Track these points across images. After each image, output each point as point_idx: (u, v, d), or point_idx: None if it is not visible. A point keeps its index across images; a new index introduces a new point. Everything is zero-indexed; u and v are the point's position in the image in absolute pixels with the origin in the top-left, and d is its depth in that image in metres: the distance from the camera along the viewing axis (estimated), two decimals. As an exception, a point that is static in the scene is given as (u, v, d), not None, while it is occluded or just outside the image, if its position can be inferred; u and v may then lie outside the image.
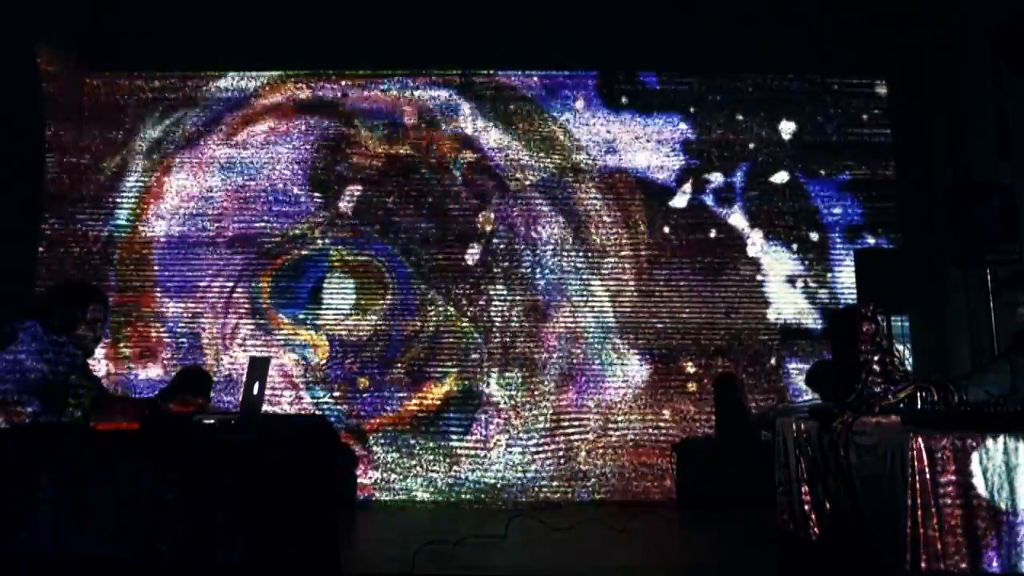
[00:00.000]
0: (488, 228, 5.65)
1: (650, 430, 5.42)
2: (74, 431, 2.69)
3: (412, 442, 5.39)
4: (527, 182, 5.70)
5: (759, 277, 5.61)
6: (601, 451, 5.40)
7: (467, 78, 5.79)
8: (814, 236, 5.66)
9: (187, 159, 5.70)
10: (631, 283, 5.59)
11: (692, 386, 5.48)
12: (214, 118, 5.74)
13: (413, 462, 5.37)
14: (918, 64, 5.72)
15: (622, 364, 5.50)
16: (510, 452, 5.39)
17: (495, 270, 5.60)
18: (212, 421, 2.94)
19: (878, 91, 5.79)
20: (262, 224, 5.63)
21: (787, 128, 5.76)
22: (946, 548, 2.06)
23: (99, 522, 2.50)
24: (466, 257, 5.62)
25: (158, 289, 5.55)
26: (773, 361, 5.52)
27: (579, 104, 5.78)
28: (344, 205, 5.66)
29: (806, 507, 2.84)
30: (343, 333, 5.52)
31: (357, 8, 5.64)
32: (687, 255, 5.62)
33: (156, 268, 5.58)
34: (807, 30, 5.60)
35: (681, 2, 5.67)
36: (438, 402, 5.44)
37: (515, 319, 5.54)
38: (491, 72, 5.79)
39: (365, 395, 5.44)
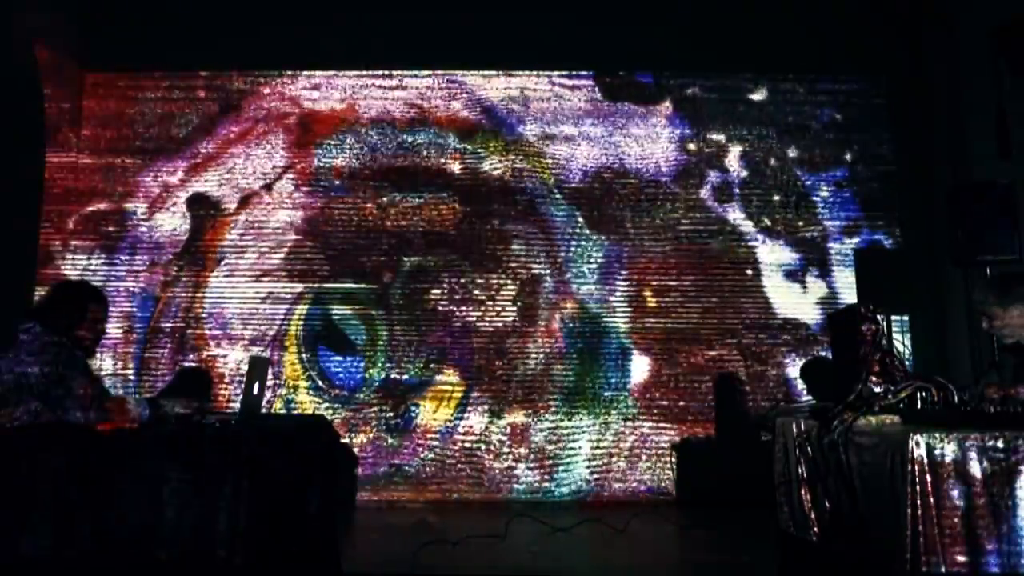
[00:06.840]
0: (488, 228, 5.65)
1: (650, 430, 5.42)
2: (74, 431, 2.69)
3: (410, 441, 5.39)
4: (527, 182, 5.70)
5: (759, 277, 5.61)
6: (601, 451, 5.40)
7: (465, 78, 5.79)
8: (814, 236, 5.66)
9: (188, 158, 5.70)
10: (631, 283, 5.59)
11: (692, 386, 5.48)
12: (214, 117, 5.75)
13: (414, 461, 5.38)
14: (918, 64, 5.72)
15: (622, 364, 5.50)
16: (511, 452, 5.39)
17: (495, 268, 5.60)
18: (212, 421, 2.95)
19: (878, 91, 5.78)
20: (264, 224, 5.64)
21: (787, 128, 5.75)
22: (946, 548, 2.06)
23: (99, 522, 2.50)
24: (467, 256, 5.61)
25: (159, 288, 5.55)
26: (773, 361, 5.51)
27: (578, 104, 5.78)
28: (347, 205, 5.66)
29: (806, 507, 2.83)
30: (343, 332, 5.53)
31: (356, 7, 5.63)
32: (686, 255, 5.62)
33: (157, 267, 5.58)
34: (807, 29, 5.59)
35: (680, 2, 5.67)
36: (438, 401, 5.45)
37: (515, 318, 5.54)
38: (490, 72, 5.79)
39: (368, 395, 5.45)
